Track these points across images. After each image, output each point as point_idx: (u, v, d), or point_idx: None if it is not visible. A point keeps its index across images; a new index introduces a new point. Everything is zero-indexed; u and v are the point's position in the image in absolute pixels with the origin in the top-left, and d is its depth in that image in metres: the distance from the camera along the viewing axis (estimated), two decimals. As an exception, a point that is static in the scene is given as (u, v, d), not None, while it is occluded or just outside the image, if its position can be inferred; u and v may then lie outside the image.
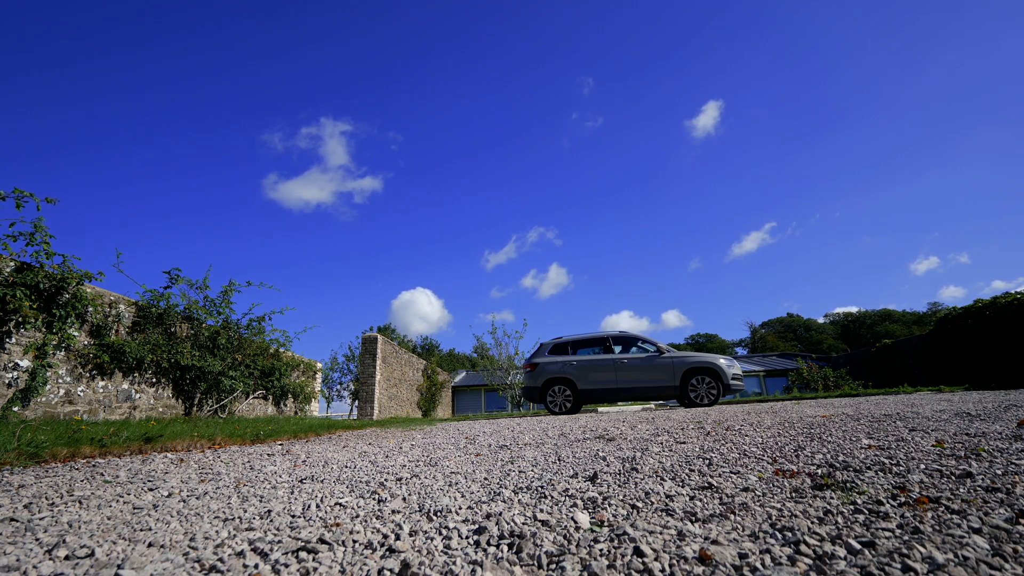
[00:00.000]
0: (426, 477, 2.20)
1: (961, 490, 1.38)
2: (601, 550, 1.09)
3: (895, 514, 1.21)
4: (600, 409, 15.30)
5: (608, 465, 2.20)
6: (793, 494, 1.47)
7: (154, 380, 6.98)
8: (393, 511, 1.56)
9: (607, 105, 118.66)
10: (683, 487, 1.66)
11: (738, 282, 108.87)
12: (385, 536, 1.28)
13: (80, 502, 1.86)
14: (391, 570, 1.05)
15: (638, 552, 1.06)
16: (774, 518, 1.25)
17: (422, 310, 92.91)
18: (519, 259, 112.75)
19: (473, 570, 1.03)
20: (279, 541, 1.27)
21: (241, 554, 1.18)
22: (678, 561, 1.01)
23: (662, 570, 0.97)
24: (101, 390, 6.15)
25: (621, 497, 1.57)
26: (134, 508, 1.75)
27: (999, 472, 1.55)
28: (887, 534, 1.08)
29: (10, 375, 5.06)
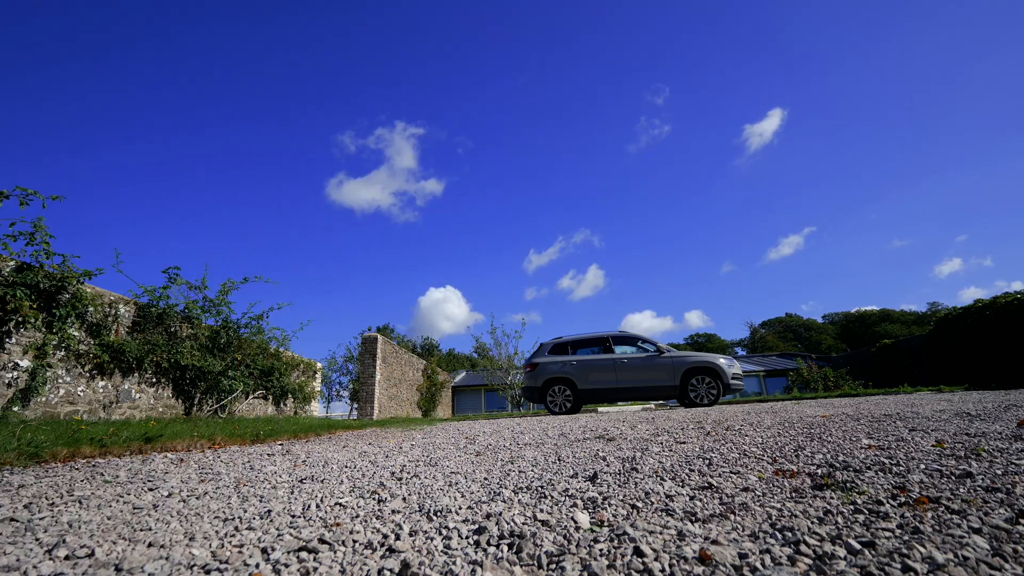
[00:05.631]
0: (426, 477, 2.20)
1: (961, 490, 1.38)
2: (601, 550, 1.09)
3: (895, 514, 1.21)
4: (600, 409, 15.30)
5: (608, 465, 2.20)
6: (793, 494, 1.47)
7: (154, 380, 6.97)
8: (393, 511, 1.56)
9: (677, 113, 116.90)
10: (683, 487, 1.66)
11: (765, 285, 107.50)
12: (385, 536, 1.28)
13: (80, 502, 1.86)
14: (391, 570, 1.05)
15: (638, 552, 1.05)
16: (774, 518, 1.25)
17: (450, 310, 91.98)
18: (560, 260, 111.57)
19: (473, 570, 1.03)
20: (279, 540, 1.27)
21: (241, 554, 1.18)
22: (678, 561, 1.01)
23: (662, 570, 0.97)
24: (101, 390, 6.15)
25: (621, 497, 1.57)
26: (134, 508, 1.75)
27: (999, 472, 1.55)
28: (887, 534, 1.08)
29: (10, 375, 5.06)
